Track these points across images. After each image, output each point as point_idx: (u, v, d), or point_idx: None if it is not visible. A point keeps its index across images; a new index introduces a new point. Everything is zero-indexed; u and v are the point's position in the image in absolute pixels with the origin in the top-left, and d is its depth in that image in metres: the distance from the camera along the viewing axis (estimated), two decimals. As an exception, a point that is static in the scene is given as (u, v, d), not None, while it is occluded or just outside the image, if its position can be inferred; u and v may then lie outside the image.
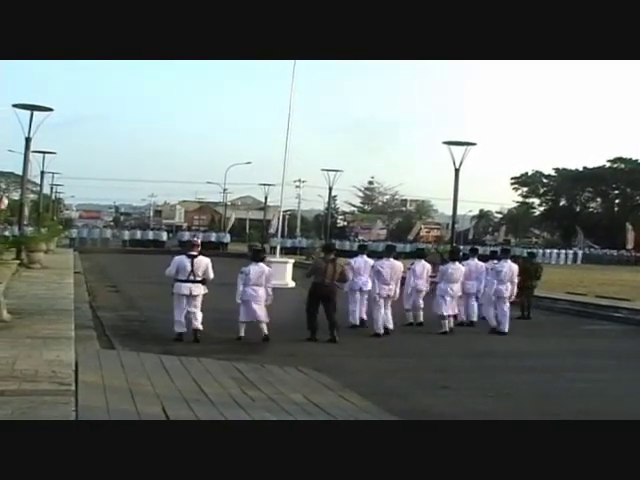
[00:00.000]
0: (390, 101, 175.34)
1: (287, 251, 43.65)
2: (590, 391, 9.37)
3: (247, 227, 69.27)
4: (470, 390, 9.10)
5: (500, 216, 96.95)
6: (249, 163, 71.28)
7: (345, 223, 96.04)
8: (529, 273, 17.71)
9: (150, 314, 14.50)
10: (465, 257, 16.72)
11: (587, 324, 17.41)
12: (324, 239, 47.71)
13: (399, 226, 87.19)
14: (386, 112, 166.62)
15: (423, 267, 15.71)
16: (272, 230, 51.76)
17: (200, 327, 12.16)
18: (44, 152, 39.68)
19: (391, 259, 14.28)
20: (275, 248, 29.72)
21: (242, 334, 12.43)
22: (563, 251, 63.61)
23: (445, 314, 14.46)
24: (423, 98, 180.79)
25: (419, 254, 16.94)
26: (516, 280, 15.49)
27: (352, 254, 16.98)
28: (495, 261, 16.15)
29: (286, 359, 10.40)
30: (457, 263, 15.16)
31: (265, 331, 12.36)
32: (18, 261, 12.89)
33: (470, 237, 70.35)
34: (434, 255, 26.27)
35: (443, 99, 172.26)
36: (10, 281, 10.95)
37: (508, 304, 15.17)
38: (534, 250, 30.50)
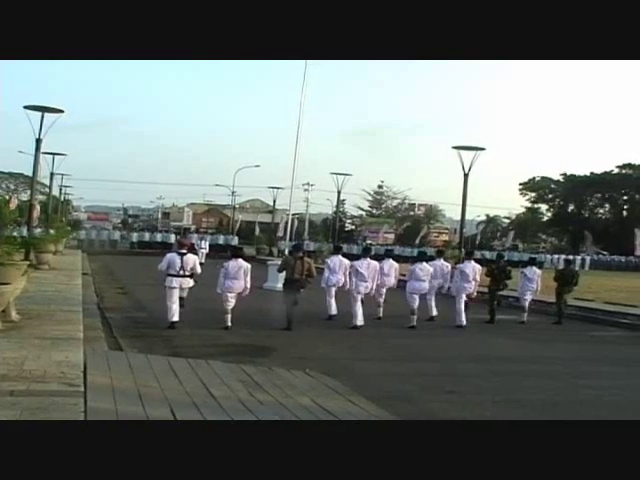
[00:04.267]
0: (399, 105, 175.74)
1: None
2: (598, 398, 9.32)
3: (256, 230, 69.12)
4: (477, 395, 9.06)
5: (508, 221, 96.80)
6: (258, 166, 71.38)
7: (353, 227, 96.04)
8: (566, 279, 18.24)
9: (158, 316, 14.50)
10: (432, 258, 18.53)
11: (595, 330, 17.36)
12: (332, 242, 47.69)
13: (407, 230, 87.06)
14: (395, 116, 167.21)
15: (390, 266, 17.19)
16: (280, 233, 51.77)
17: (184, 295, 14.43)
18: (54, 153, 39.74)
19: (368, 259, 16.04)
20: (283, 251, 29.71)
21: (229, 324, 13.65)
22: (571, 257, 63.19)
23: (415, 309, 15.84)
24: (431, 103, 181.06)
25: (387, 255, 18.44)
26: (478, 279, 17.16)
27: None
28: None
29: (293, 362, 10.42)
30: (424, 263, 16.80)
31: (228, 323, 13.69)
32: (27, 262, 12.90)
33: (477, 242, 70.11)
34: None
35: (452, 104, 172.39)
36: (19, 282, 10.98)
37: (464, 300, 16.68)
38: (570, 257, 31.04)
